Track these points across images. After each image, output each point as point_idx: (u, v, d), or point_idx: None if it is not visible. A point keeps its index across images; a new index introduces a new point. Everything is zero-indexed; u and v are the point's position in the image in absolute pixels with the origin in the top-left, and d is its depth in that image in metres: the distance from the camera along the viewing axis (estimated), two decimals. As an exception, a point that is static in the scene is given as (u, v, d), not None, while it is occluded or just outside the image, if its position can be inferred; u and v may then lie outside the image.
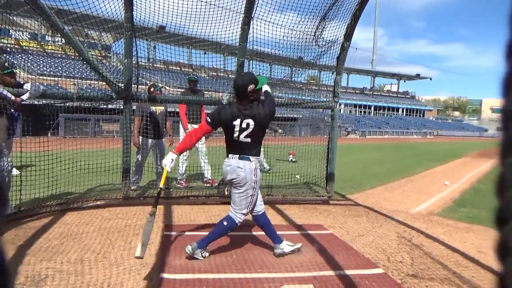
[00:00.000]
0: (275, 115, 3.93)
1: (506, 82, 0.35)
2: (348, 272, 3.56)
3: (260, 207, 3.90)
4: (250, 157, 3.69)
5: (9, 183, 4.81)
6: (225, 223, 3.76)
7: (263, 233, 4.61)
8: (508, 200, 0.33)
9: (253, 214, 3.91)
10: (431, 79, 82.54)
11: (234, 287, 3.16)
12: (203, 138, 7.37)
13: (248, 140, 3.67)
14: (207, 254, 3.76)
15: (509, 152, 0.33)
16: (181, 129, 7.45)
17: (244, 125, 3.63)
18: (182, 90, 8.67)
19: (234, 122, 3.63)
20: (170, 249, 3.95)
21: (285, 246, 3.88)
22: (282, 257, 3.86)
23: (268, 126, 3.95)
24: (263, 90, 3.91)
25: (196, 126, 7.31)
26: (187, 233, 4.47)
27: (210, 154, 7.46)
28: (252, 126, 3.63)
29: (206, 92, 11.58)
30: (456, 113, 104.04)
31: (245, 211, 3.76)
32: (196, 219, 5.26)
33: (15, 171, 5.11)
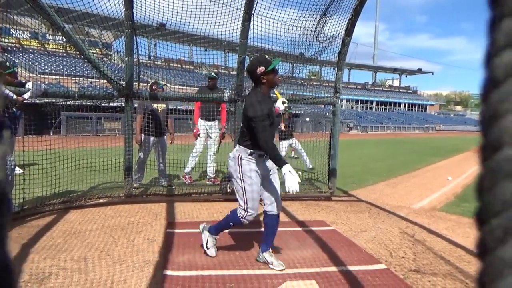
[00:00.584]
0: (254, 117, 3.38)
1: (485, 87, 0.38)
2: (351, 268, 3.57)
3: (270, 207, 3.58)
4: (239, 145, 3.54)
5: (12, 182, 4.83)
6: (229, 213, 3.68)
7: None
8: (487, 202, 0.36)
9: (264, 211, 3.67)
10: (433, 74, 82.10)
11: (237, 284, 3.17)
12: (216, 135, 7.37)
13: (244, 128, 3.53)
14: (213, 251, 3.72)
15: (488, 155, 0.37)
16: (201, 122, 7.37)
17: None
18: (184, 87, 8.65)
19: None
20: (173, 246, 3.96)
21: (268, 257, 3.57)
22: (285, 254, 3.87)
23: (245, 125, 3.50)
24: (277, 105, 3.77)
25: (210, 123, 7.33)
26: (189, 230, 4.48)
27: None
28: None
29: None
30: (458, 108, 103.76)
31: (243, 205, 3.49)
32: (199, 216, 5.28)
33: (18, 170, 5.13)
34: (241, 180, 3.47)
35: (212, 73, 7.49)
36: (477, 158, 0.37)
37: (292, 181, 3.20)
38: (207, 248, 3.75)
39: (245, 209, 3.50)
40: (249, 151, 3.46)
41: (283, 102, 4.00)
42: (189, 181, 7.27)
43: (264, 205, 3.63)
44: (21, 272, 3.19)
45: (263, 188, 3.59)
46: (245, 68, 3.64)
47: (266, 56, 3.55)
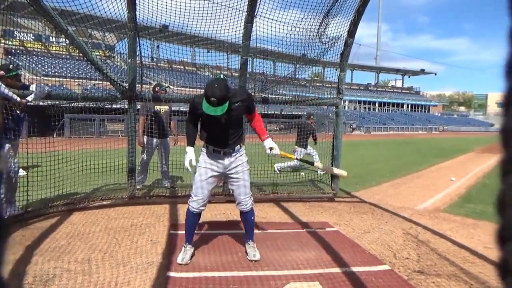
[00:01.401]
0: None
1: (507, 101, 0.35)
2: (354, 269, 3.55)
3: (238, 206, 3.80)
4: None
5: (15, 184, 4.85)
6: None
7: (268, 231, 4.63)
8: (509, 220, 0.33)
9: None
10: (435, 74, 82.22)
11: (240, 285, 3.16)
12: None
13: None
14: (181, 258, 3.64)
15: (509, 170, 0.33)
16: None
17: None
18: (187, 89, 8.67)
19: None
20: (177, 248, 3.96)
21: (248, 248, 3.85)
22: (289, 255, 3.86)
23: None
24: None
25: None
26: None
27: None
28: None
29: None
30: (462, 108, 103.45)
31: (192, 194, 3.69)
32: (202, 217, 5.26)
33: (21, 172, 5.14)
34: (195, 167, 3.73)
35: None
36: (498, 172, 0.35)
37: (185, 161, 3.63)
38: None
39: (191, 194, 3.72)
40: (204, 144, 3.74)
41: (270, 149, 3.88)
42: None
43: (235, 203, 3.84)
44: (25, 274, 3.20)
45: (231, 189, 3.85)
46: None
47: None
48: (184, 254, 3.65)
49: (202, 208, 3.73)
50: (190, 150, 3.65)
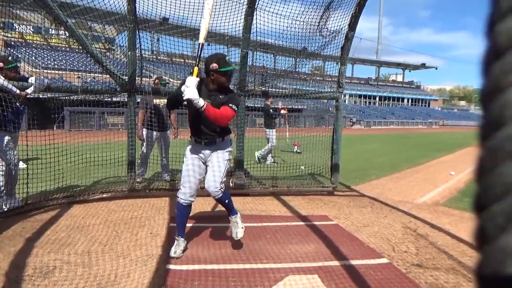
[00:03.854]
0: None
1: (486, 58, 0.33)
2: (353, 262, 3.57)
3: (208, 189, 3.73)
4: None
5: (16, 176, 4.85)
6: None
7: (267, 225, 4.65)
8: (487, 186, 0.32)
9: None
10: (436, 69, 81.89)
11: (240, 278, 3.18)
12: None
13: None
14: (173, 252, 3.64)
15: (488, 134, 0.32)
16: None
17: None
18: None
19: None
20: (176, 241, 3.97)
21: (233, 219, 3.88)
22: (288, 248, 3.88)
23: None
24: None
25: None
26: (192, 224, 4.49)
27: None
28: None
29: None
30: (462, 103, 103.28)
31: (181, 185, 3.75)
32: (201, 210, 5.29)
33: (21, 165, 5.15)
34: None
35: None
36: (477, 137, 0.34)
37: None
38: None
39: (179, 187, 3.78)
40: (190, 135, 3.78)
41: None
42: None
43: None
44: (25, 266, 3.22)
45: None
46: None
47: (227, 59, 3.68)
48: (176, 247, 3.65)
49: (191, 199, 3.72)
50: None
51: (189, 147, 3.77)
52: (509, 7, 0.31)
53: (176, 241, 3.71)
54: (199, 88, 3.48)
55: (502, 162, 0.31)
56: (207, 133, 3.65)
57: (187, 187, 3.69)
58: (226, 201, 3.79)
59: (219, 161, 3.71)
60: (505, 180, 0.31)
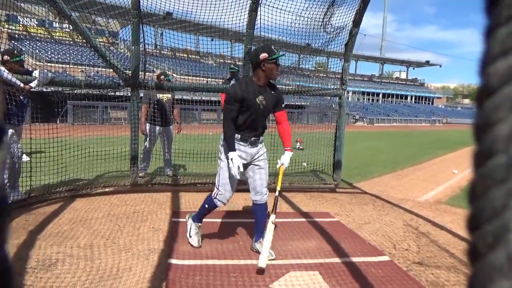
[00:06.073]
0: None
1: (479, 95, 0.38)
2: (354, 259, 3.58)
3: (254, 196, 3.68)
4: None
5: (19, 169, 4.88)
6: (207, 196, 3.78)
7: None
8: (479, 209, 0.36)
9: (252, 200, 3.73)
10: (440, 66, 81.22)
11: (241, 273, 3.19)
12: None
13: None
14: (196, 240, 3.70)
15: (480, 162, 0.37)
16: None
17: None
18: (190, 77, 8.65)
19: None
20: (178, 235, 3.99)
21: (258, 246, 3.61)
22: (289, 245, 3.89)
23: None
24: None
25: None
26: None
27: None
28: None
29: (214, 80, 11.52)
30: (466, 101, 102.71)
31: (216, 183, 3.66)
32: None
33: (25, 158, 5.17)
34: (220, 159, 3.64)
35: (233, 66, 7.70)
36: (470, 165, 0.38)
37: (231, 168, 3.42)
38: (190, 237, 3.76)
39: (217, 187, 3.64)
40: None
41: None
42: None
43: (250, 193, 3.71)
44: (28, 259, 3.24)
45: (249, 176, 3.69)
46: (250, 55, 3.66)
47: (272, 47, 3.61)
48: (198, 236, 3.73)
49: (228, 200, 3.73)
50: (235, 155, 3.40)
51: (225, 148, 3.52)
52: (498, 52, 0.36)
53: (196, 229, 3.75)
54: (249, 90, 3.43)
55: (492, 188, 0.36)
56: (259, 129, 3.61)
57: (228, 190, 3.61)
58: (266, 212, 3.71)
59: (265, 160, 3.71)
60: (495, 204, 0.35)
